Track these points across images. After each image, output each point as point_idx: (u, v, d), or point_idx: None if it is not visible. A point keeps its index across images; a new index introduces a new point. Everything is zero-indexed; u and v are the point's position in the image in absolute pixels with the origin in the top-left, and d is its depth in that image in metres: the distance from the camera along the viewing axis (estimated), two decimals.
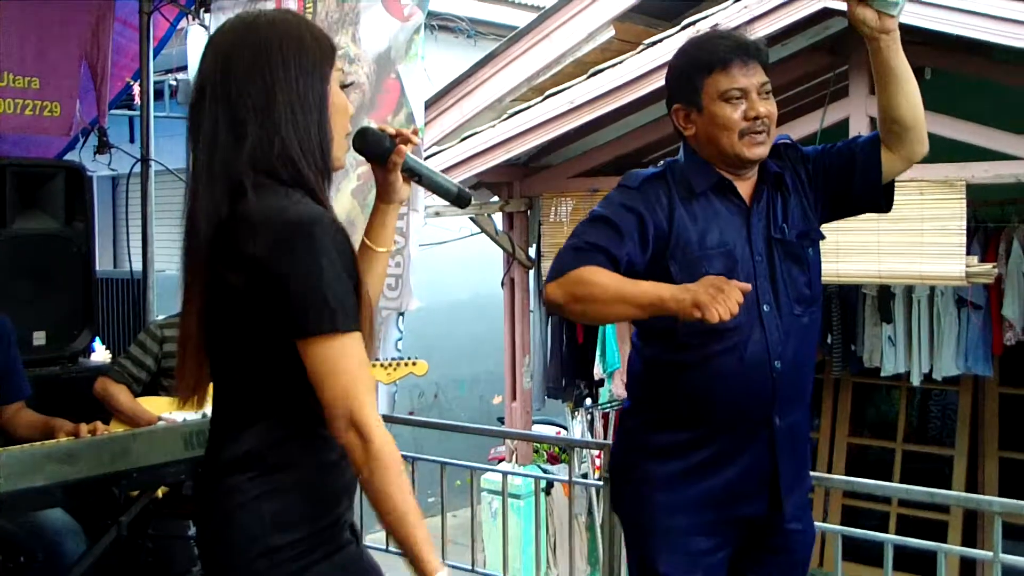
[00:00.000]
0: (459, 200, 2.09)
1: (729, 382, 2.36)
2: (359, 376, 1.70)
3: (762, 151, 2.39)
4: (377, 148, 2.01)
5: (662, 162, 2.53)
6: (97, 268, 4.40)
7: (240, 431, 1.81)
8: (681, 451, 2.43)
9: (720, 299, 2.05)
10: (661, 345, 2.46)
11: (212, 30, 4.50)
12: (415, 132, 2.07)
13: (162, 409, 3.78)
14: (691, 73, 2.41)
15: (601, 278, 2.26)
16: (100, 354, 5.54)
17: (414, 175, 2.05)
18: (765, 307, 2.38)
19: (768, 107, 2.38)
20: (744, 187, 2.45)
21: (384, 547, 4.16)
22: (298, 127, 1.78)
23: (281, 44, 1.80)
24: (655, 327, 2.40)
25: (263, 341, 1.76)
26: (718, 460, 2.41)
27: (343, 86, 1.90)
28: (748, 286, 2.13)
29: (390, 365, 3.81)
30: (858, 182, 2.53)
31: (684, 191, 2.42)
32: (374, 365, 3.79)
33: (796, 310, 2.41)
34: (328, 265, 1.69)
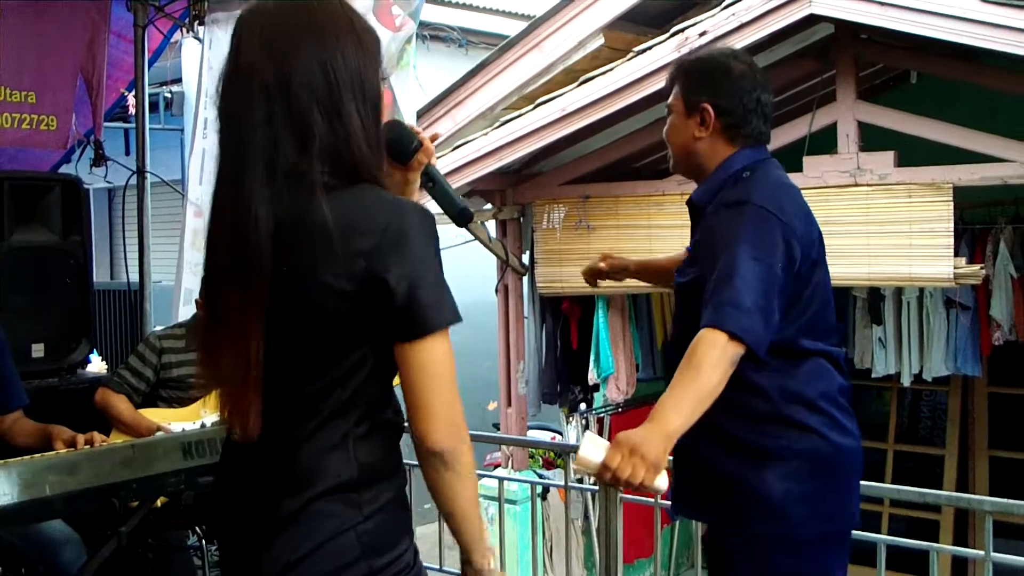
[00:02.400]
0: (460, 216, 2.04)
1: None
2: (454, 379, 1.68)
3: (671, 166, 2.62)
4: (407, 144, 1.96)
5: None
6: (94, 280, 4.42)
7: (321, 450, 1.70)
8: None
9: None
10: None
11: (206, 43, 4.53)
12: (435, 139, 2.02)
13: (162, 419, 3.81)
14: None
15: None
16: (96, 365, 5.56)
17: (431, 181, 2.00)
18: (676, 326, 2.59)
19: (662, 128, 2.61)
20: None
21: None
22: (364, 123, 1.69)
23: (338, 31, 1.69)
24: None
25: (359, 343, 1.67)
26: None
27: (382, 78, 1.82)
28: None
29: None
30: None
31: None
32: None
33: (678, 337, 2.46)
34: (438, 259, 1.67)
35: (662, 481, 2.10)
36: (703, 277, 2.31)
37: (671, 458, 2.29)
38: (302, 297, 1.65)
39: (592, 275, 3.07)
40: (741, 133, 2.48)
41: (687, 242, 2.60)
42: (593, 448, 2.11)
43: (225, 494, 1.86)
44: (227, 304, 1.69)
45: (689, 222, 2.61)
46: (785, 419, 2.33)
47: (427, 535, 5.15)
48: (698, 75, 2.52)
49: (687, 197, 2.60)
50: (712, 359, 2.15)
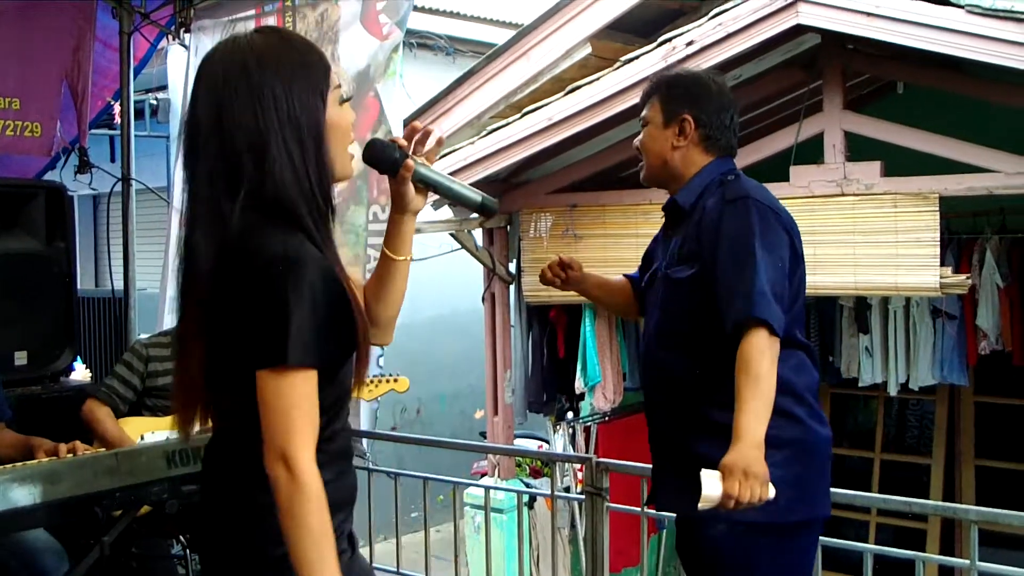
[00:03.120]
0: (483, 209, 2.06)
1: None
2: (296, 413, 1.72)
3: (642, 175, 2.78)
4: (385, 160, 1.99)
5: None
6: (78, 287, 4.40)
7: (245, 450, 1.81)
8: None
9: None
10: None
11: (193, 49, 4.53)
12: (439, 142, 2.06)
13: (146, 428, 3.79)
14: None
15: None
16: (80, 373, 5.53)
17: (428, 186, 2.03)
18: (654, 316, 2.71)
19: (635, 140, 2.78)
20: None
21: (395, 569, 4.17)
22: (295, 167, 1.78)
23: (275, 72, 1.78)
24: None
25: (245, 368, 1.76)
26: None
27: (342, 101, 1.88)
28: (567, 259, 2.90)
29: (372, 382, 3.81)
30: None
31: None
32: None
33: (657, 332, 2.68)
34: (296, 302, 1.70)
35: (772, 491, 2.23)
36: (705, 271, 2.49)
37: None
38: (214, 321, 1.80)
39: (554, 275, 2.98)
40: (717, 144, 2.68)
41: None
42: (712, 483, 2.21)
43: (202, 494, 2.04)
44: (181, 324, 1.90)
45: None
46: (776, 409, 2.37)
47: (412, 544, 5.13)
48: (680, 88, 2.70)
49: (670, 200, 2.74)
50: (766, 363, 2.31)
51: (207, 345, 1.84)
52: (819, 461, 2.56)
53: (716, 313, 2.44)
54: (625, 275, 3.04)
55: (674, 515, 2.82)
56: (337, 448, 1.91)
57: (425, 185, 2.03)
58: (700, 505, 2.21)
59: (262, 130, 1.76)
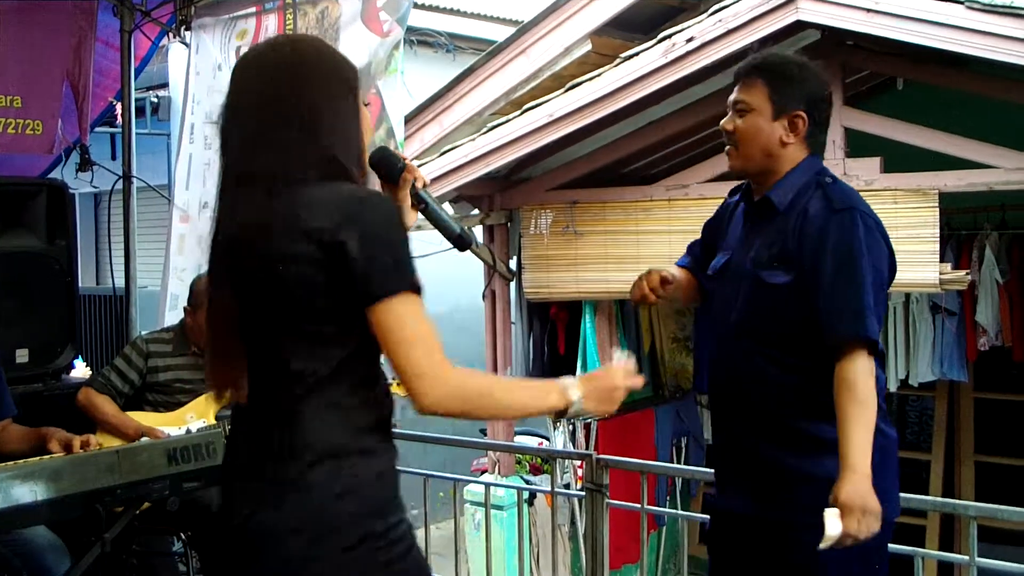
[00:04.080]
0: (459, 242, 2.16)
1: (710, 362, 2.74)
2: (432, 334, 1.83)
3: (730, 163, 2.62)
4: (392, 165, 2.12)
5: None
6: (79, 285, 4.41)
7: (306, 421, 1.82)
8: None
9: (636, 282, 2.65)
10: None
11: (193, 47, 4.53)
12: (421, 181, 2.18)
13: (147, 423, 3.80)
14: None
15: None
16: (81, 371, 5.54)
17: (421, 202, 2.14)
18: (733, 315, 2.60)
19: (734, 123, 2.57)
20: (754, 200, 2.64)
21: None
22: (337, 136, 1.89)
23: (319, 69, 1.92)
24: None
25: (335, 315, 1.81)
26: None
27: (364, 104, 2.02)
28: (666, 272, 2.66)
29: None
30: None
31: (738, 194, 2.75)
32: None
33: (741, 332, 2.58)
34: (400, 233, 1.84)
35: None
36: (804, 280, 2.43)
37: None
38: (276, 274, 1.82)
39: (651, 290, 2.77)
40: (817, 142, 2.60)
41: (676, 247, 2.63)
42: (834, 523, 2.25)
43: (227, 468, 2.00)
44: (212, 291, 1.99)
45: (672, 227, 2.67)
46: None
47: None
48: (793, 79, 2.55)
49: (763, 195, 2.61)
50: (870, 387, 2.34)
51: (265, 310, 1.86)
52: (894, 461, 2.59)
53: (812, 323, 2.42)
54: (680, 264, 2.90)
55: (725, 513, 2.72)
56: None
57: (418, 202, 2.14)
58: (822, 545, 2.25)
59: (312, 109, 1.87)
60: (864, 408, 2.31)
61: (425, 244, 7.63)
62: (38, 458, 3.01)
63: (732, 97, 2.59)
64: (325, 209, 1.79)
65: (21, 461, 2.94)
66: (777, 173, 2.57)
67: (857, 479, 2.26)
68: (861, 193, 5.02)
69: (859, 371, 2.34)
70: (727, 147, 2.61)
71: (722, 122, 2.60)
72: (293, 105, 1.87)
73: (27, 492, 2.71)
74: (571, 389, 1.98)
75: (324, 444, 1.82)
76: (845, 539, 2.25)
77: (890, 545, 3.66)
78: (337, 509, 1.80)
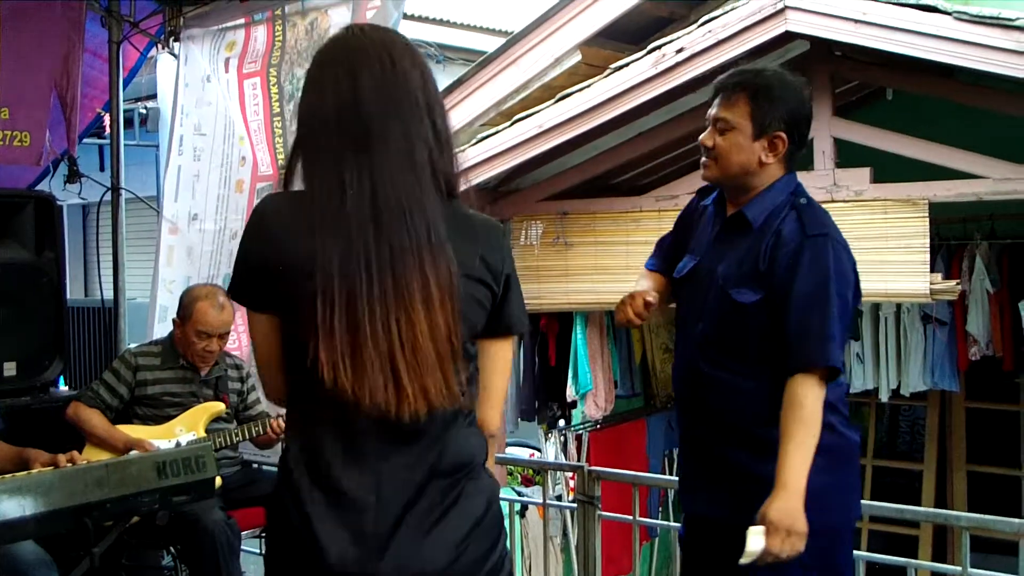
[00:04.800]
0: None
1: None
2: None
3: (705, 173, 2.65)
4: None
5: None
6: (68, 297, 4.39)
7: (460, 438, 1.88)
8: None
9: (619, 305, 2.61)
10: None
11: (182, 58, 4.52)
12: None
13: (136, 436, 3.78)
14: None
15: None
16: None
17: None
18: (699, 325, 2.64)
19: (714, 139, 2.59)
20: (729, 208, 2.67)
21: None
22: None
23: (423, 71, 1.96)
24: None
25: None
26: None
27: None
28: (650, 295, 2.60)
29: None
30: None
31: (709, 196, 2.79)
32: None
33: (705, 343, 2.62)
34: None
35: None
36: (774, 300, 2.48)
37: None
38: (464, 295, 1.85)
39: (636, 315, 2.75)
40: (794, 160, 2.63)
41: None
42: (757, 540, 2.31)
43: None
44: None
45: None
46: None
47: None
48: (776, 98, 2.55)
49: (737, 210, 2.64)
50: (817, 411, 2.40)
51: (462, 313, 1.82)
52: (854, 465, 2.66)
53: (777, 340, 2.46)
54: (649, 268, 2.92)
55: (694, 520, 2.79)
56: None
57: None
58: (742, 560, 2.29)
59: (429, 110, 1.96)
60: (808, 429, 2.37)
61: None
62: (26, 472, 2.99)
63: (713, 112, 2.60)
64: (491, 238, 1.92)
65: (8, 476, 2.92)
66: (753, 189, 2.59)
67: (788, 497, 2.31)
68: (851, 204, 5.10)
69: (810, 394, 2.39)
70: (703, 159, 2.63)
71: (701, 136, 2.62)
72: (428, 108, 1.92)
73: (15, 507, 2.69)
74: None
75: (474, 459, 1.92)
76: (766, 556, 2.29)
77: (883, 556, 3.68)
78: (488, 523, 1.94)
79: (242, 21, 4.43)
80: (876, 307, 6.54)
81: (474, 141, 5.75)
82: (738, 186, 2.61)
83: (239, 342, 4.56)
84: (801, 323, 2.42)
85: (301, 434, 1.85)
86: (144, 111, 8.59)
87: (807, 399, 2.39)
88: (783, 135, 2.54)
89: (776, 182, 2.58)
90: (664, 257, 2.89)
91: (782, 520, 2.28)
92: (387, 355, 1.73)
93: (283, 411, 1.98)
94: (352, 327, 1.72)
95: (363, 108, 1.81)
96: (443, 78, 7.47)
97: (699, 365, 2.62)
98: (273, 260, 1.78)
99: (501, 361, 1.95)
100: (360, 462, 1.79)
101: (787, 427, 2.37)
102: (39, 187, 4.84)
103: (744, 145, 2.55)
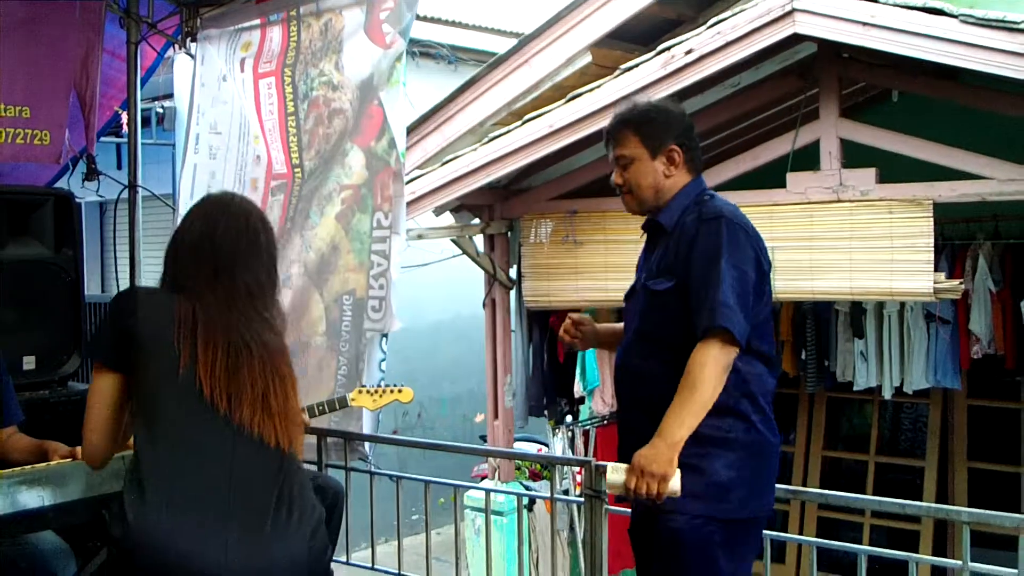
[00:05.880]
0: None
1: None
2: None
3: (627, 206, 2.96)
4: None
5: None
6: (86, 293, 4.45)
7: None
8: None
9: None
10: None
11: (199, 58, 4.57)
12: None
13: None
14: None
15: None
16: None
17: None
18: (632, 324, 2.91)
19: (622, 176, 2.91)
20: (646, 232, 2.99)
21: (369, 565, 4.24)
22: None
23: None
24: None
25: None
26: None
27: None
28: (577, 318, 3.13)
29: (376, 392, 3.85)
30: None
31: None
32: (360, 391, 3.85)
33: (639, 341, 2.86)
34: None
35: (675, 484, 2.53)
36: (682, 283, 2.71)
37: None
38: None
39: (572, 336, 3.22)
40: (695, 166, 2.92)
41: None
42: (615, 475, 2.61)
43: None
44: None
45: None
46: (736, 412, 2.69)
47: (413, 546, 5.19)
48: (655, 121, 2.88)
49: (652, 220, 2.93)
50: (708, 371, 2.57)
51: None
52: (769, 464, 2.80)
53: (691, 322, 2.67)
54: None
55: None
56: None
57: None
58: (605, 488, 2.65)
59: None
60: (694, 389, 2.56)
61: (427, 253, 7.68)
62: (44, 464, 3.05)
63: (612, 155, 2.92)
64: None
65: (28, 467, 2.98)
66: (665, 201, 2.88)
67: (657, 442, 2.55)
68: (857, 203, 5.15)
69: (703, 356, 2.59)
70: (622, 197, 2.94)
71: (612, 179, 2.93)
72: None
73: (34, 497, 2.75)
74: None
75: None
76: (624, 491, 2.59)
77: (885, 551, 3.73)
78: None
79: (257, 22, 4.47)
80: (880, 305, 6.58)
81: (485, 140, 5.79)
82: (655, 205, 2.89)
83: None
84: (698, 295, 2.66)
85: None
86: (161, 110, 8.62)
87: (697, 363, 2.58)
88: (676, 147, 2.85)
89: (683, 188, 2.87)
90: None
91: (639, 461, 2.54)
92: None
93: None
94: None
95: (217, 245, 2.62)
96: (455, 79, 7.53)
97: (632, 358, 2.87)
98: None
99: None
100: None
101: (681, 387, 2.58)
102: (58, 185, 4.88)
103: (647, 169, 2.86)
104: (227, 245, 2.63)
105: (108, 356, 2.55)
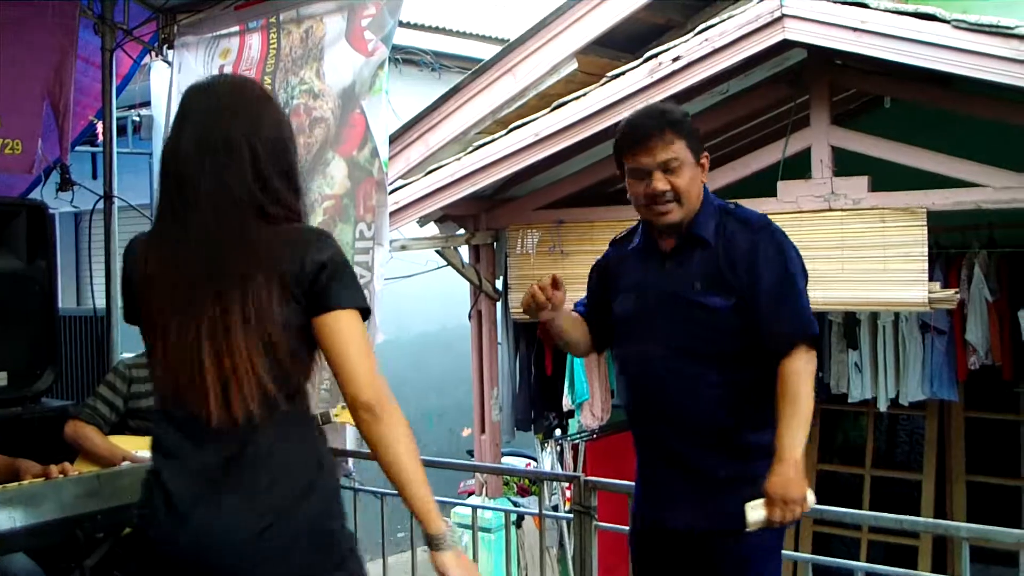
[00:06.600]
0: None
1: (627, 392, 2.90)
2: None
3: (668, 219, 2.72)
4: None
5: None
6: (60, 306, 4.36)
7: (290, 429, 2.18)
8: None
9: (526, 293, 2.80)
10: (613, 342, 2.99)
11: (176, 66, 4.50)
12: None
13: (131, 448, 3.75)
14: (615, 150, 2.80)
15: None
16: None
17: None
18: (653, 344, 2.76)
19: (670, 182, 2.67)
20: (669, 242, 2.79)
21: None
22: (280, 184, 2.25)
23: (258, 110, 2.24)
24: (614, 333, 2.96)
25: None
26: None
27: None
28: (544, 282, 2.81)
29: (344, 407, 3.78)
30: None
31: (628, 245, 2.93)
32: (343, 407, 3.76)
33: (682, 359, 2.71)
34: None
35: (811, 497, 2.52)
36: (745, 298, 2.64)
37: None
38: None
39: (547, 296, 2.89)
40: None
41: None
42: (755, 512, 2.52)
43: None
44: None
45: None
46: (772, 418, 2.61)
47: (399, 564, 5.10)
48: (691, 127, 2.75)
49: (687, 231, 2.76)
50: (809, 382, 2.58)
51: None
52: None
53: (750, 336, 2.64)
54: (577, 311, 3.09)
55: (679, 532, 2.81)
56: None
57: None
58: (748, 528, 2.51)
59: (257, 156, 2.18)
60: (799, 401, 2.54)
61: (411, 264, 7.60)
62: (16, 484, 2.96)
63: (658, 158, 2.67)
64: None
65: None
66: (695, 211, 2.75)
67: (784, 468, 2.49)
68: (849, 212, 5.10)
69: (800, 367, 2.57)
70: (663, 206, 2.69)
71: (655, 185, 2.67)
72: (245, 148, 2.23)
73: (5, 518, 2.67)
74: (448, 533, 2.21)
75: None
76: (772, 526, 2.51)
77: (882, 567, 3.67)
78: None
79: (236, 29, 4.40)
80: (874, 316, 6.53)
81: (470, 149, 5.73)
82: (693, 215, 2.74)
83: None
84: (777, 311, 2.61)
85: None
86: (137, 119, 8.55)
87: (799, 374, 2.56)
88: (706, 152, 2.76)
89: (704, 196, 2.77)
90: (589, 306, 3.09)
91: (776, 491, 2.47)
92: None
93: None
94: None
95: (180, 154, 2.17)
96: (439, 86, 7.47)
97: (666, 376, 2.73)
98: None
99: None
100: None
101: (781, 403, 2.55)
102: (31, 195, 4.82)
103: (693, 175, 2.71)
104: None
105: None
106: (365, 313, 2.16)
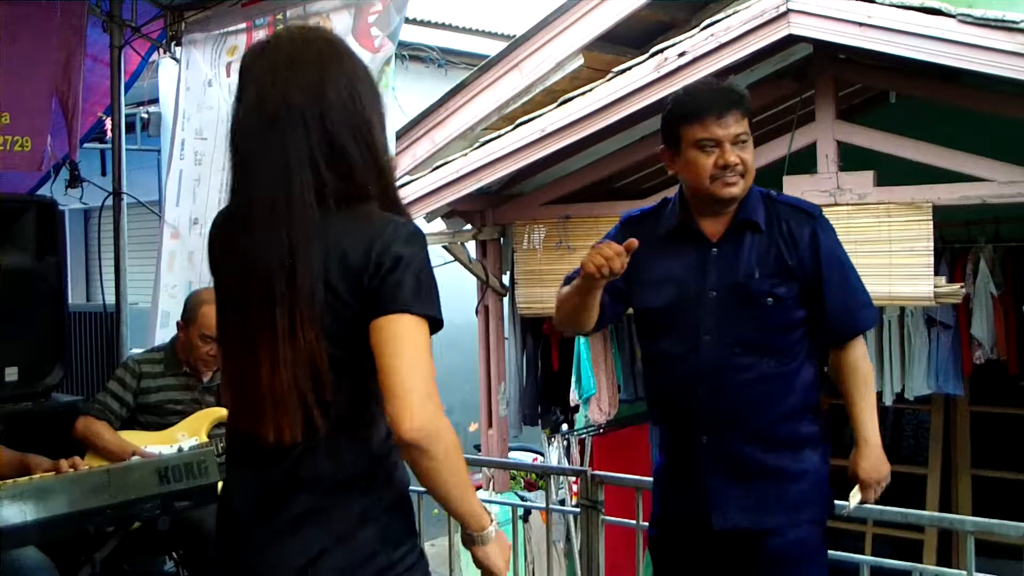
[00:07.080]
0: None
1: (666, 390, 2.77)
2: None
3: (734, 191, 2.60)
4: None
5: (661, 198, 2.85)
6: (69, 302, 4.38)
7: (344, 447, 1.90)
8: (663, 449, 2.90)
9: (591, 255, 2.46)
10: (641, 337, 2.90)
11: (183, 63, 4.52)
12: None
13: (139, 443, 3.77)
14: (674, 120, 2.65)
15: (560, 292, 2.77)
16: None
17: None
18: (706, 336, 2.63)
19: (740, 155, 2.59)
20: (712, 225, 2.68)
21: None
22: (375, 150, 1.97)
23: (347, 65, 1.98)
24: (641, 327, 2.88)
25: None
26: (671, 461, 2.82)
27: None
28: (619, 247, 2.45)
29: None
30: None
31: (654, 228, 2.75)
32: None
33: (735, 350, 2.62)
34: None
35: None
36: (808, 287, 2.62)
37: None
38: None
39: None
40: None
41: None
42: (855, 498, 2.76)
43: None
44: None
45: None
46: (817, 408, 2.73)
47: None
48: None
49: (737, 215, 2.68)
50: (871, 370, 2.76)
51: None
52: None
53: (816, 323, 2.66)
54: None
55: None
56: None
57: None
58: (845, 512, 2.80)
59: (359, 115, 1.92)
60: (871, 388, 2.71)
61: None
62: (27, 478, 2.98)
63: (732, 131, 2.58)
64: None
65: (10, 481, 2.90)
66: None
67: (872, 451, 2.68)
68: (854, 207, 5.10)
69: (864, 353, 2.72)
70: (733, 178, 2.58)
71: (733, 156, 2.57)
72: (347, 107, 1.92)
73: (16, 513, 2.68)
74: (489, 529, 1.93)
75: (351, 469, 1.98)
76: (864, 503, 2.76)
77: (888, 560, 3.68)
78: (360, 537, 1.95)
79: (243, 26, 4.42)
80: (880, 311, 6.52)
81: (476, 145, 5.74)
82: (744, 193, 2.65)
83: None
84: (844, 299, 2.65)
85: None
86: (146, 116, 8.56)
87: (864, 360, 2.70)
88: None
89: None
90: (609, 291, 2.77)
91: (870, 475, 2.70)
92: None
93: None
94: None
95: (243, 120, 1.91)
96: (445, 83, 7.49)
97: (722, 370, 2.62)
98: None
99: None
100: None
101: (854, 389, 2.69)
102: (40, 192, 4.83)
103: (752, 153, 2.64)
104: None
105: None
106: (435, 326, 1.84)
